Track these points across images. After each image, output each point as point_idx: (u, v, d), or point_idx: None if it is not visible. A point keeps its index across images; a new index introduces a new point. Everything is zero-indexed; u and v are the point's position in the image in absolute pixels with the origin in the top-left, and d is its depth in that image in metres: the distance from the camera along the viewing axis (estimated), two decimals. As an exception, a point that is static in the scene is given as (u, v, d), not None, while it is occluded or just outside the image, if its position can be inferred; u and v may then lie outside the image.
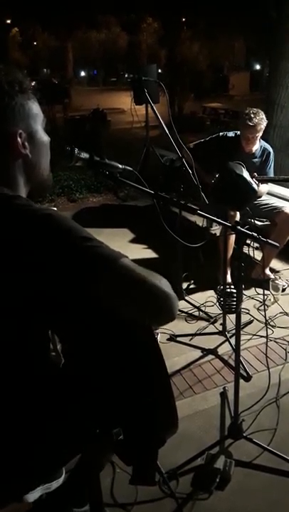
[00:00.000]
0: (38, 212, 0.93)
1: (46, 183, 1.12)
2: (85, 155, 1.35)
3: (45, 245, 0.90)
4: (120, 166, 1.43)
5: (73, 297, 0.99)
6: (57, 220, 0.92)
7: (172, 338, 2.57)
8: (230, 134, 3.18)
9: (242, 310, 2.54)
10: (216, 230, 3.82)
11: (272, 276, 3.12)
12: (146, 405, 1.13)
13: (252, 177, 2.74)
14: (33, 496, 1.31)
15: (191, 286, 3.14)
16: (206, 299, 2.97)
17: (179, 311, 2.82)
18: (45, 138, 1.08)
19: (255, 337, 2.55)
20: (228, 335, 2.51)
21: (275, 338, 2.54)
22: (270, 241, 1.56)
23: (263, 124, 2.96)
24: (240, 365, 2.10)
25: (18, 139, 1.00)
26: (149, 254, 3.76)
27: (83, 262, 0.91)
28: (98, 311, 1.10)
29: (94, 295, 0.94)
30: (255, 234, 1.51)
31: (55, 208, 2.23)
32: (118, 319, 1.07)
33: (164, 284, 0.96)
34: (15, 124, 1.00)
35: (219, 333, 2.57)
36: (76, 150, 1.33)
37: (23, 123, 1.01)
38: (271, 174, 3.21)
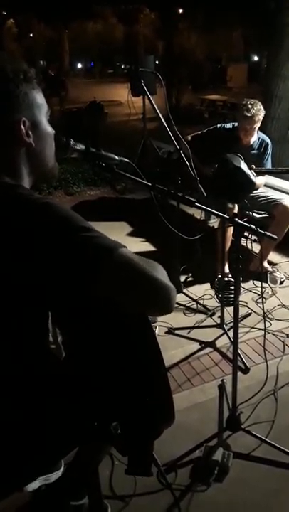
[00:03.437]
0: (37, 201, 0.92)
1: (51, 173, 1.12)
2: (80, 146, 1.34)
3: (43, 234, 0.90)
4: (117, 157, 1.41)
5: (71, 287, 0.98)
6: (56, 209, 0.92)
7: (170, 331, 2.57)
8: (228, 125, 3.16)
9: (240, 303, 2.54)
10: (214, 222, 3.82)
11: (270, 268, 3.12)
12: (144, 398, 1.13)
13: (250, 169, 2.72)
14: (32, 485, 1.32)
15: (189, 279, 3.14)
16: (204, 291, 2.97)
17: (177, 303, 2.82)
18: (49, 129, 1.08)
19: (253, 330, 2.55)
20: (226, 328, 2.51)
21: (273, 331, 2.54)
22: (268, 233, 1.55)
23: (261, 114, 2.94)
24: (238, 358, 2.10)
25: (22, 127, 1.00)
26: (147, 247, 3.75)
27: (81, 252, 0.90)
28: (96, 302, 1.09)
29: (92, 285, 0.93)
30: (253, 226, 1.50)
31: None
32: (117, 312, 1.06)
33: (162, 274, 0.95)
34: (19, 112, 0.99)
35: (217, 325, 2.57)
36: (72, 141, 1.32)
37: (27, 111, 1.01)
38: (269, 166, 3.19)
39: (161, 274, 0.95)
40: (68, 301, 1.07)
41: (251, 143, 3.08)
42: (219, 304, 2.66)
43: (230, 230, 2.87)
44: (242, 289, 2.89)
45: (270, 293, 2.89)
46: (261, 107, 2.94)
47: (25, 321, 1.01)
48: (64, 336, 1.28)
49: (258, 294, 2.89)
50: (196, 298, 2.89)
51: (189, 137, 3.19)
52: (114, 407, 1.15)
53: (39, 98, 1.04)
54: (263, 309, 2.66)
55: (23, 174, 1.03)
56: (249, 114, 2.89)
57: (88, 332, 1.16)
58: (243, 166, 2.46)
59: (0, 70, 0.98)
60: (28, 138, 1.01)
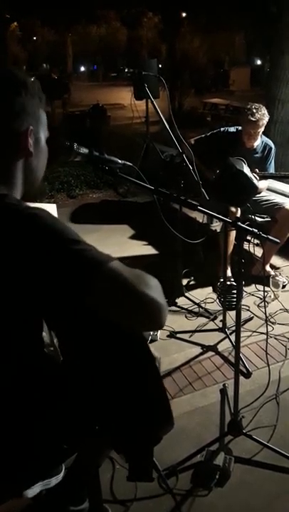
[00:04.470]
0: (24, 212, 0.91)
1: (38, 190, 1.13)
2: (84, 150, 1.34)
3: (30, 246, 0.87)
4: (120, 161, 1.41)
5: (61, 299, 0.96)
6: (43, 220, 0.89)
7: (172, 334, 2.56)
8: (232, 129, 3.16)
9: (242, 307, 2.53)
10: (217, 226, 3.81)
11: (272, 272, 3.11)
12: (140, 404, 1.12)
13: (253, 173, 2.72)
14: (32, 491, 1.31)
15: (191, 282, 3.13)
16: (206, 295, 2.97)
17: (179, 307, 2.82)
18: (45, 147, 1.09)
19: (255, 334, 2.54)
20: (228, 331, 2.50)
21: (275, 335, 2.53)
22: (270, 237, 1.55)
23: (265, 119, 2.94)
24: (240, 362, 2.10)
25: (29, 136, 1.01)
26: (149, 250, 3.75)
27: (70, 265, 0.88)
28: (86, 314, 1.08)
29: (81, 298, 0.91)
30: (256, 230, 1.50)
31: (54, 205, 2.21)
32: (108, 322, 1.05)
33: (154, 289, 0.93)
34: (28, 122, 1.01)
35: (219, 329, 2.56)
36: (75, 145, 1.32)
37: (33, 123, 1.02)
38: (272, 170, 3.19)
39: (153, 289, 0.92)
40: (59, 311, 1.06)
41: (255, 146, 3.08)
42: (221, 308, 2.66)
43: (233, 233, 2.87)
44: (244, 293, 2.88)
45: (272, 297, 2.88)
46: (266, 112, 2.94)
47: (17, 327, 1.00)
48: (59, 340, 1.28)
49: (260, 298, 2.88)
50: (198, 301, 2.88)
51: (192, 141, 3.20)
52: (111, 411, 1.14)
53: (43, 115, 1.06)
54: (265, 313, 2.66)
55: (18, 185, 1.03)
56: (254, 119, 2.89)
57: (82, 338, 1.15)
58: (246, 169, 2.46)
59: (12, 81, 0.99)
60: (31, 148, 1.02)
